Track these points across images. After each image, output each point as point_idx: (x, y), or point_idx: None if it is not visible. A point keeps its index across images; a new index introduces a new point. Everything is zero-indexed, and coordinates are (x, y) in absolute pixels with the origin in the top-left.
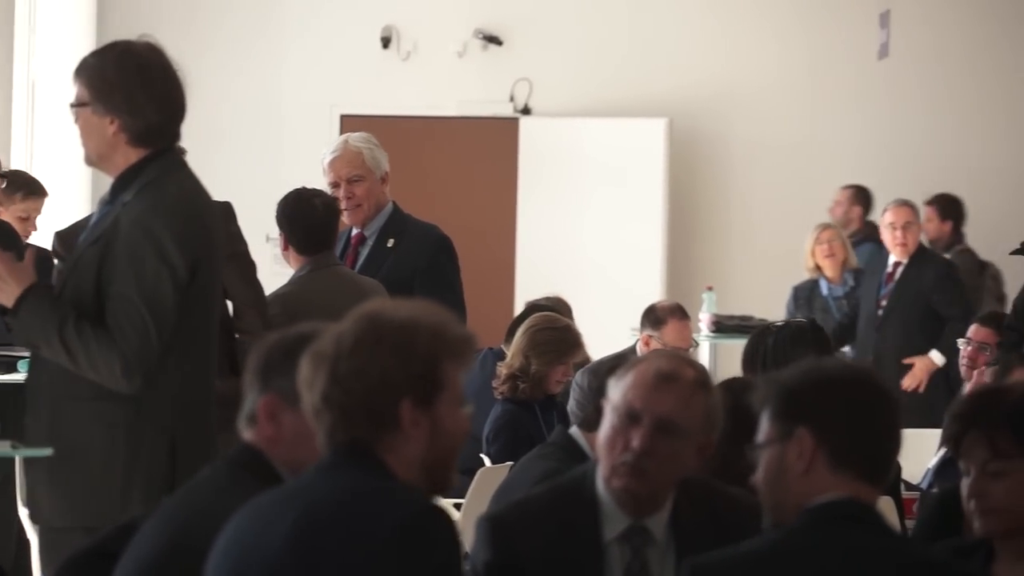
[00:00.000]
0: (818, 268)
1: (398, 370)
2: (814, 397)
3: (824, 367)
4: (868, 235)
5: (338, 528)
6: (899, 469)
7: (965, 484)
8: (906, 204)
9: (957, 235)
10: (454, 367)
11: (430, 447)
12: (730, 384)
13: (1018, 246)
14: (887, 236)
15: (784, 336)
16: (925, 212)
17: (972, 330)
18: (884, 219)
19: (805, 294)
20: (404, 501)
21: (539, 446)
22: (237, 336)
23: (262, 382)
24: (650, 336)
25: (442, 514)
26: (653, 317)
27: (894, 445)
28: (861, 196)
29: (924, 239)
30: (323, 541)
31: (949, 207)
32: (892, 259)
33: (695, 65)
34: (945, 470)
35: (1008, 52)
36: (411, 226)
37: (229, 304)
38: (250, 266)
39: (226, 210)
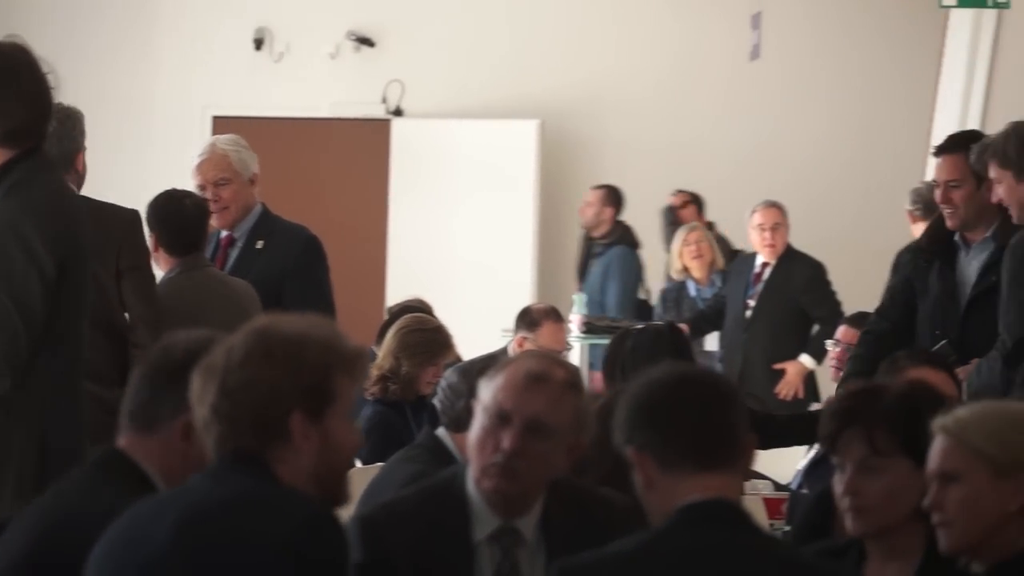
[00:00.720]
0: (686, 270)
1: (288, 382)
2: (626, 416)
3: (635, 385)
4: (620, 237)
5: (226, 531)
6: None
7: (839, 481)
8: (774, 205)
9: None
10: (345, 380)
11: (320, 460)
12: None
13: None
14: (755, 238)
15: (642, 339)
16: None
17: (840, 331)
18: (752, 220)
19: (673, 295)
20: (296, 505)
21: (406, 448)
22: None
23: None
24: (524, 338)
25: (334, 519)
26: (528, 319)
27: (711, 420)
28: (612, 197)
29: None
30: (209, 543)
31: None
32: (760, 260)
33: (567, 67)
34: (815, 470)
35: (878, 54)
36: (280, 227)
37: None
38: (149, 281)
39: (132, 220)
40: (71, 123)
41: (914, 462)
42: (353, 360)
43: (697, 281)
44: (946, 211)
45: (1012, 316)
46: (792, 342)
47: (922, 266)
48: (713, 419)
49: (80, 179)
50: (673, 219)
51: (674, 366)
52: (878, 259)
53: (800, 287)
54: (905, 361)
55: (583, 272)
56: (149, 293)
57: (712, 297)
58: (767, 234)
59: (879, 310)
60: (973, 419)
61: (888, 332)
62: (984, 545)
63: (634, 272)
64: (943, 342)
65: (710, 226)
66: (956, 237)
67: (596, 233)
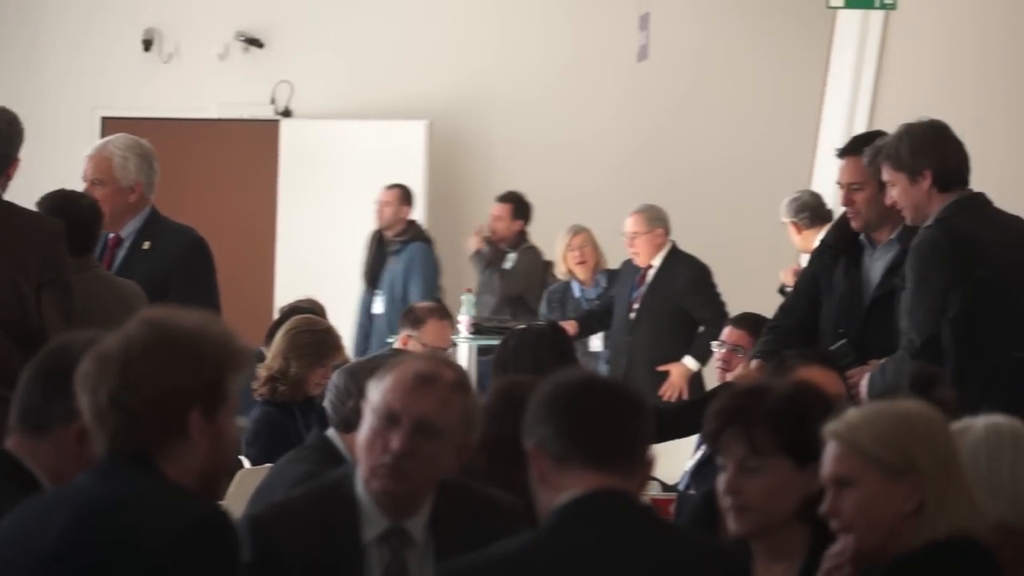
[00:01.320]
0: (570, 272)
1: (191, 377)
2: (530, 413)
3: (544, 383)
4: (416, 234)
5: (118, 531)
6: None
7: (721, 480)
8: (638, 212)
9: (523, 234)
10: (234, 379)
11: (209, 457)
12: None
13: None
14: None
15: (524, 339)
16: (497, 208)
17: (726, 332)
18: (626, 225)
19: (558, 296)
20: (187, 505)
21: (296, 449)
22: None
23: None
24: (409, 336)
25: (226, 518)
26: (412, 317)
27: (611, 425)
28: (406, 196)
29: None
30: (100, 543)
31: (521, 207)
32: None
33: (455, 67)
34: (702, 471)
35: (766, 55)
36: (167, 229)
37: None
38: (68, 295)
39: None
40: (12, 129)
41: (795, 463)
42: (243, 359)
43: (582, 283)
44: (849, 213)
45: (920, 315)
46: (676, 344)
47: (828, 263)
48: (613, 423)
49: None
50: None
51: (585, 371)
52: (766, 261)
53: (683, 289)
54: (794, 360)
55: (374, 273)
56: (67, 307)
57: (601, 296)
58: (629, 242)
59: (784, 306)
60: (863, 423)
61: (792, 328)
62: (878, 546)
63: (435, 268)
64: (842, 342)
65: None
66: (862, 236)
67: (392, 232)
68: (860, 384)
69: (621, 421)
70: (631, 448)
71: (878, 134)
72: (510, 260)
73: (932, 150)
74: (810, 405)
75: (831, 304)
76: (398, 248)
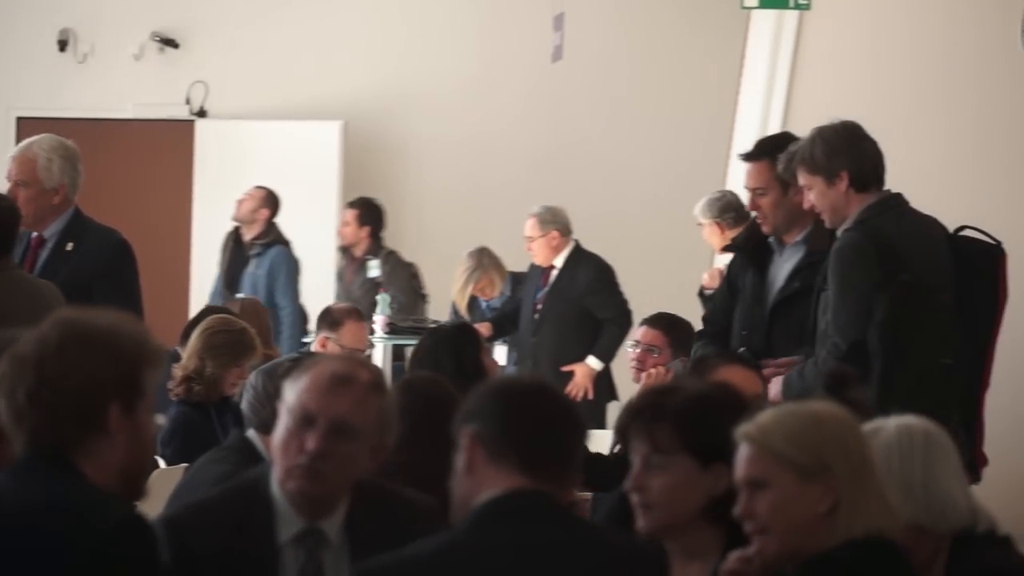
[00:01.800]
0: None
1: (107, 372)
2: (475, 400)
3: (499, 378)
4: (276, 238)
5: (34, 537)
6: None
7: (628, 477)
8: (533, 216)
9: (377, 240)
10: (151, 375)
11: (129, 453)
12: (410, 383)
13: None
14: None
15: (428, 341)
16: (345, 215)
17: (640, 332)
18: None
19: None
20: (105, 509)
21: (215, 449)
22: None
23: None
24: (327, 338)
25: (143, 522)
26: (330, 319)
27: (555, 437)
28: (271, 200)
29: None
30: (16, 550)
31: (368, 213)
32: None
33: (370, 68)
34: None
35: (681, 56)
36: (90, 230)
37: None
38: None
39: None
40: None
41: (699, 462)
42: (158, 354)
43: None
44: (758, 217)
45: (844, 319)
46: (580, 344)
47: (738, 265)
48: (554, 434)
49: None
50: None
51: (540, 377)
52: (680, 262)
53: (584, 289)
54: (715, 360)
55: (232, 274)
56: None
57: (505, 302)
58: (527, 246)
59: (705, 316)
60: (775, 424)
61: (719, 334)
62: (794, 548)
63: (297, 270)
64: (742, 349)
65: None
66: (771, 239)
67: (251, 234)
68: (771, 387)
69: (562, 438)
70: (565, 463)
71: (784, 137)
72: (374, 268)
73: (847, 151)
74: (717, 405)
75: (741, 306)
76: (258, 251)
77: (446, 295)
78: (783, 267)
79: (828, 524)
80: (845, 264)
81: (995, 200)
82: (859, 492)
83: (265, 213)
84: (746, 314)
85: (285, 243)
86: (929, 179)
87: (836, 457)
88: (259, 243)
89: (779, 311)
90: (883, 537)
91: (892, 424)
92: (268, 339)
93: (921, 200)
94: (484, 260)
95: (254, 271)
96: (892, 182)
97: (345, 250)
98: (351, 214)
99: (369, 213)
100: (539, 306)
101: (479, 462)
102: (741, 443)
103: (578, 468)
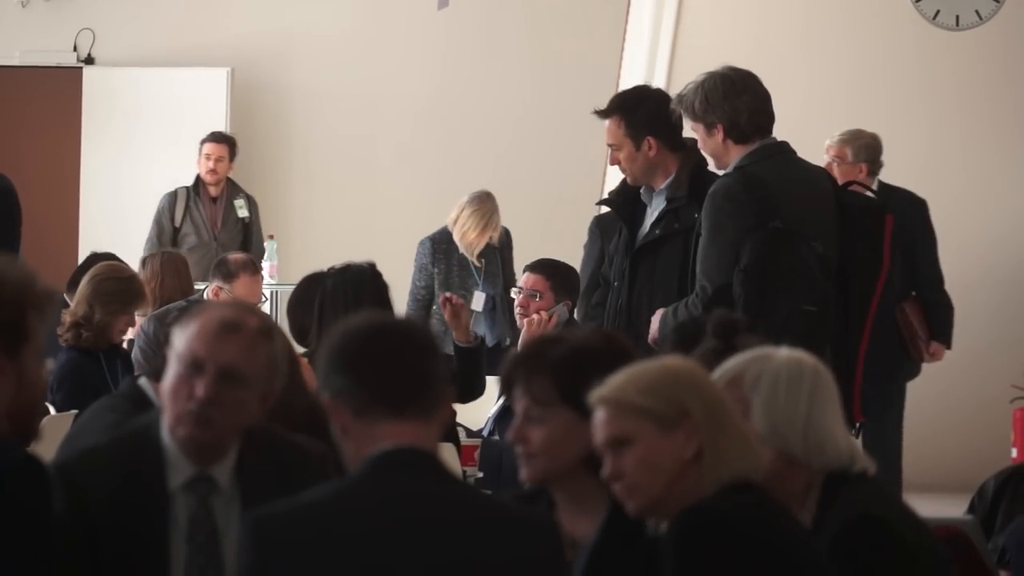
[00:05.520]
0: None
1: None
2: (320, 365)
3: (333, 332)
4: None
5: None
6: (454, 414)
7: (511, 429)
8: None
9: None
10: (38, 319)
11: (16, 397)
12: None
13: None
14: None
15: (345, 279)
16: (218, 150)
17: (523, 278)
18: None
19: (443, 247)
20: None
21: (107, 396)
22: None
23: None
24: (220, 288)
25: (39, 465)
26: (225, 270)
27: (406, 369)
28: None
29: None
30: None
31: (234, 150)
32: None
33: (257, 15)
34: (505, 417)
35: (565, 3)
36: None
37: None
38: None
39: None
40: None
41: (578, 414)
42: (45, 300)
43: None
44: (620, 170)
45: (712, 263)
46: None
47: (608, 221)
48: (406, 367)
49: None
50: None
51: (372, 314)
52: (566, 211)
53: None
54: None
55: None
56: None
57: None
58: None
59: (583, 290)
60: (627, 381)
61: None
62: (668, 499)
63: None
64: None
65: None
66: (642, 191)
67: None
68: (652, 323)
69: (415, 366)
70: (427, 391)
71: (637, 91)
72: (242, 208)
73: (721, 103)
74: (597, 356)
75: (615, 258)
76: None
77: (334, 239)
78: (650, 217)
79: (696, 471)
80: (716, 209)
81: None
82: (720, 434)
83: None
84: (617, 265)
85: None
86: (812, 124)
87: (693, 401)
88: None
89: (640, 257)
90: (750, 480)
91: (783, 353)
92: (188, 292)
93: (800, 141)
94: (491, 203)
95: None
96: (776, 125)
97: (202, 187)
98: (225, 149)
99: (234, 150)
100: None
101: (348, 422)
102: (597, 407)
103: (441, 386)
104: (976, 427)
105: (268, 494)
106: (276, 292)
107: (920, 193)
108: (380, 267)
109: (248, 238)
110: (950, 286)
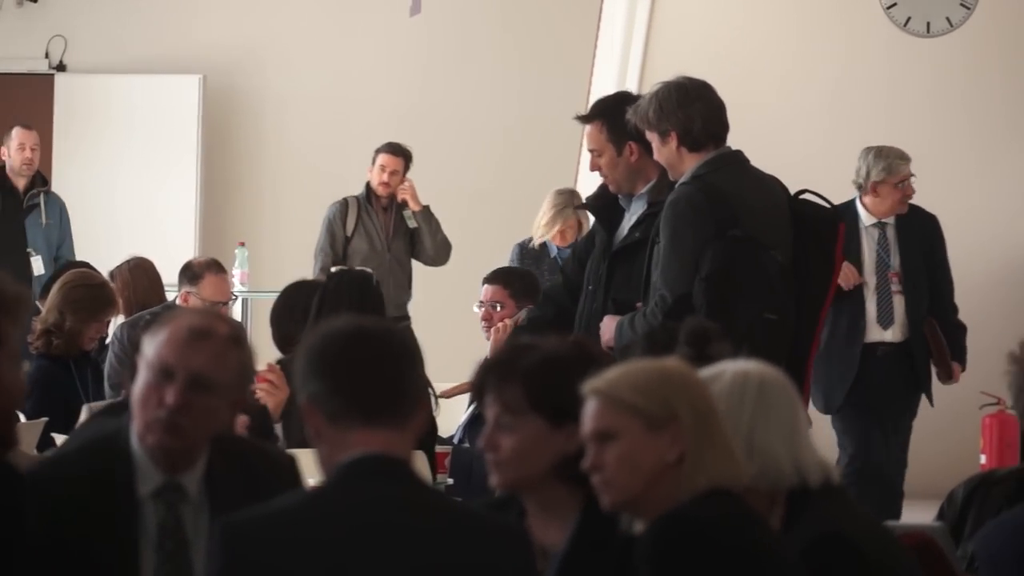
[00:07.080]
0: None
1: None
2: (298, 369)
3: (310, 336)
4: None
5: None
6: (433, 422)
7: (481, 437)
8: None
9: None
10: (9, 324)
11: None
12: None
13: None
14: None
15: (347, 280)
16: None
17: (482, 292)
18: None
19: (534, 253)
20: None
21: (109, 403)
22: None
23: None
24: (188, 292)
25: (14, 471)
26: (190, 273)
27: (380, 376)
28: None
29: None
30: None
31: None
32: None
33: (229, 21)
34: (476, 424)
35: (540, 11)
36: None
37: None
38: None
39: None
40: None
41: (548, 422)
42: (16, 305)
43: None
44: (601, 176)
45: (672, 272)
46: None
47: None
48: (381, 374)
49: None
50: None
51: (351, 319)
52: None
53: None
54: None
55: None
56: None
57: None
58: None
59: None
60: (621, 377)
61: (565, 291)
62: (644, 499)
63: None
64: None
65: None
66: (621, 196)
67: (25, 181)
68: (603, 329)
69: (390, 374)
70: (402, 399)
71: (618, 98)
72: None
73: (674, 112)
74: (568, 365)
75: (591, 263)
76: (37, 201)
77: (306, 247)
78: (629, 220)
79: (675, 475)
80: (676, 218)
81: (849, 146)
82: (705, 443)
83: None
84: (593, 269)
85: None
86: (781, 132)
87: (683, 406)
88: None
89: (617, 260)
90: (728, 491)
91: (731, 368)
92: (162, 295)
93: (774, 149)
94: (576, 201)
95: (47, 220)
96: (750, 131)
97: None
98: (401, 162)
99: (409, 163)
100: None
101: (322, 427)
102: (588, 398)
103: (417, 393)
104: (945, 434)
105: (237, 502)
106: (247, 300)
107: None
108: None
109: (415, 247)
110: None
